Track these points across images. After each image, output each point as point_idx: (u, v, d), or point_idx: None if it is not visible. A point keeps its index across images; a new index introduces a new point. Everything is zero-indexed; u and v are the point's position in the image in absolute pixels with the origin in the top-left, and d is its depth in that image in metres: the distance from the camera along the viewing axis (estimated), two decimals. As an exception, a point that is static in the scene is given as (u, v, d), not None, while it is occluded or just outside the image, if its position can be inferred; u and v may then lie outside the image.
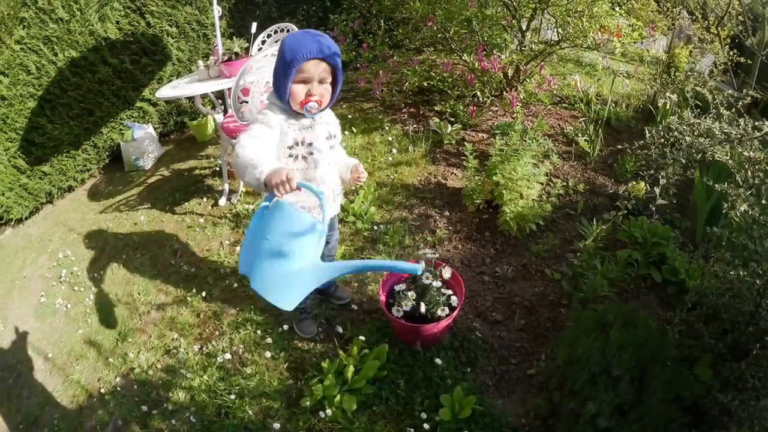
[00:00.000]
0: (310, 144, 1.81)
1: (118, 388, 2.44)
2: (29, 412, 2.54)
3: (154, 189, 4.02)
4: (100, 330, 2.83)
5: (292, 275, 1.39)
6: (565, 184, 3.19)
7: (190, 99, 4.56)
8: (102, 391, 2.47)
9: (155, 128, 4.57)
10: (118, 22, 4.08)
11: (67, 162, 4.17)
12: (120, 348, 2.66)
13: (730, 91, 2.39)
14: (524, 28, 3.96)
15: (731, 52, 3.64)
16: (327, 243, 2.21)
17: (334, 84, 1.77)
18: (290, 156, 1.81)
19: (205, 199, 3.67)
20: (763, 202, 1.62)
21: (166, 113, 4.67)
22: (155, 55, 4.32)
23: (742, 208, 1.60)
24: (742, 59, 3.56)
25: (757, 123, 1.63)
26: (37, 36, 3.72)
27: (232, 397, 2.15)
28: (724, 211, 1.79)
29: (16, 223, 4.09)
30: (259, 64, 2.54)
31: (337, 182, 2.01)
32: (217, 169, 3.99)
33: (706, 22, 3.54)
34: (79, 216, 3.92)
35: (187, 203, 3.68)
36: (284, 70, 1.68)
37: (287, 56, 1.66)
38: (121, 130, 4.36)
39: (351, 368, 2.02)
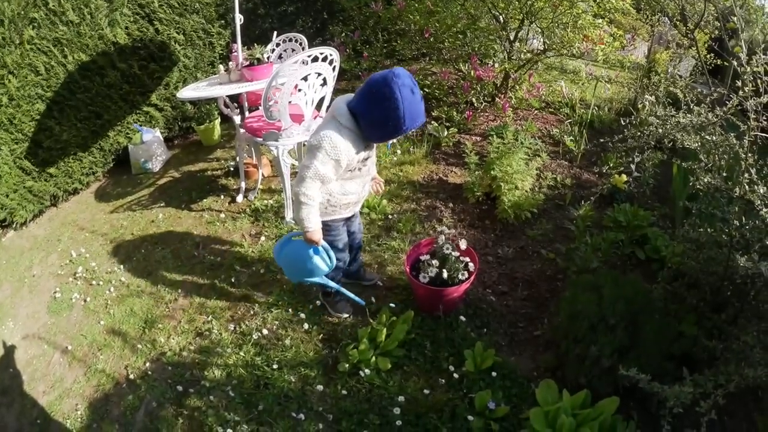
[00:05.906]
0: (366, 159, 2.10)
1: (149, 373, 2.47)
2: (48, 405, 2.48)
3: (166, 189, 4.10)
4: (124, 320, 2.84)
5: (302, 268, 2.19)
6: (555, 177, 3.52)
7: (195, 104, 4.69)
8: (131, 377, 2.47)
9: (161, 132, 4.65)
10: (127, 28, 4.14)
11: (74, 164, 4.16)
12: (147, 335, 2.69)
13: (699, 89, 2.71)
14: (512, 38, 4.30)
15: (708, 56, 3.93)
16: (353, 232, 2.51)
17: None
18: (349, 170, 2.06)
19: (221, 197, 3.79)
20: (723, 174, 1.92)
21: (171, 118, 4.75)
22: (163, 61, 4.41)
23: (706, 179, 1.92)
24: (719, 62, 3.70)
25: (712, 89, 1.95)
26: (47, 37, 3.71)
27: (274, 367, 2.29)
28: (690, 184, 2.03)
29: (19, 226, 4.04)
30: (292, 68, 2.80)
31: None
32: (231, 169, 4.13)
33: (685, 27, 3.76)
34: (88, 216, 3.94)
35: (203, 201, 3.79)
36: (397, 129, 1.83)
37: (407, 121, 1.80)
38: (128, 133, 4.40)
39: (383, 332, 2.24)
